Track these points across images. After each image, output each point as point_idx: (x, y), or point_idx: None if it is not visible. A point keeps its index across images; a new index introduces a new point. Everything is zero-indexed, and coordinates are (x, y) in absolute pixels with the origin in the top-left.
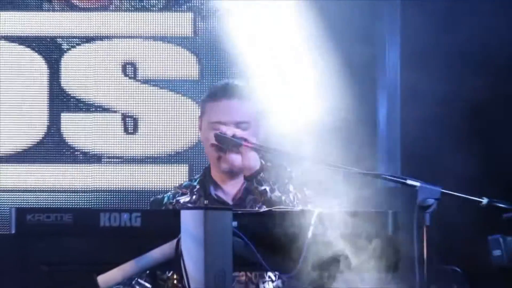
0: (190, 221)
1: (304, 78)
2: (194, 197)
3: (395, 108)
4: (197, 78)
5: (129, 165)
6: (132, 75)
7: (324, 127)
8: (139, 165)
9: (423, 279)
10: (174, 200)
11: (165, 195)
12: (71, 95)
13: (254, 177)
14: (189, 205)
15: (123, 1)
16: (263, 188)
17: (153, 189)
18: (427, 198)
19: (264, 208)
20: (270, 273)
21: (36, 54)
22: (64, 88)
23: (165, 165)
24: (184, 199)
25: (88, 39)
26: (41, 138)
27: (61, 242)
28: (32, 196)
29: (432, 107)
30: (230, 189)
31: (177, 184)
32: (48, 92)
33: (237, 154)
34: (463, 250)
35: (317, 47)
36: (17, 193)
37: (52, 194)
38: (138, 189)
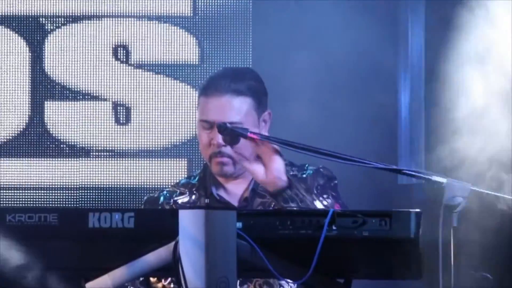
0: (189, 222)
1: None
2: (193, 197)
3: (419, 93)
4: (196, 62)
5: (120, 159)
6: (124, 59)
7: (339, 117)
8: (132, 159)
9: (448, 287)
10: (172, 201)
11: (160, 194)
12: (56, 81)
13: (279, 195)
14: (188, 206)
15: None
16: (288, 205)
17: (147, 186)
18: (455, 196)
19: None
20: (280, 282)
21: (16, 35)
22: (48, 73)
23: (161, 159)
24: (182, 199)
25: (75, 19)
26: (22, 130)
27: (45, 245)
28: (12, 194)
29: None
30: (234, 189)
31: (174, 182)
32: (30, 78)
33: (258, 164)
34: (494, 255)
35: (336, 27)
36: None
37: (35, 191)
38: (131, 186)
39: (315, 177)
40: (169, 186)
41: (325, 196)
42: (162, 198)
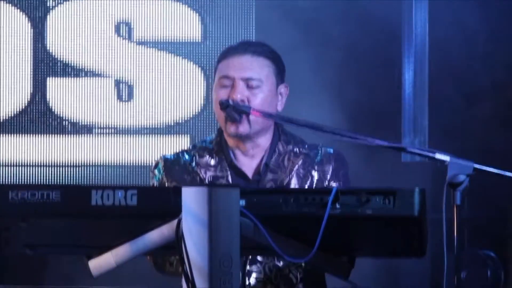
0: (192, 199)
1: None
2: (212, 161)
3: (423, 71)
4: (199, 40)
5: (123, 136)
6: (127, 36)
7: (342, 94)
8: (134, 136)
9: (452, 265)
10: (194, 163)
11: (180, 155)
12: (58, 58)
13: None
14: (212, 168)
15: None
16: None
17: (150, 163)
18: (458, 174)
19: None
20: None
21: (19, 11)
22: (50, 50)
23: (164, 136)
24: (205, 161)
25: None
26: (24, 107)
27: (47, 222)
28: (14, 171)
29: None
30: (248, 161)
31: (184, 148)
32: (32, 55)
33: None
34: (497, 233)
35: (340, 4)
36: None
37: (37, 168)
38: (134, 163)
39: (329, 161)
40: (185, 149)
41: (336, 181)
42: (183, 159)
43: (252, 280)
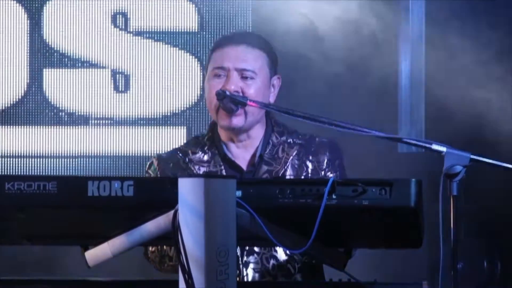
0: (189, 190)
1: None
2: (206, 156)
3: (419, 61)
4: (196, 30)
5: (119, 127)
6: (123, 26)
7: (340, 84)
8: (131, 127)
9: (449, 255)
10: (187, 159)
11: (173, 153)
12: (54, 48)
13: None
14: (205, 164)
15: None
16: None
17: (146, 154)
18: (455, 165)
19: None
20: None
21: (15, 2)
22: (47, 41)
23: (161, 127)
24: (197, 158)
25: None
26: (20, 97)
27: (44, 213)
28: (11, 162)
29: (461, 61)
30: (242, 153)
31: (178, 146)
32: (29, 46)
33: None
34: (494, 223)
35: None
36: None
37: (33, 159)
38: (130, 154)
39: (324, 151)
40: (178, 147)
41: (332, 171)
42: (176, 157)
43: (250, 271)
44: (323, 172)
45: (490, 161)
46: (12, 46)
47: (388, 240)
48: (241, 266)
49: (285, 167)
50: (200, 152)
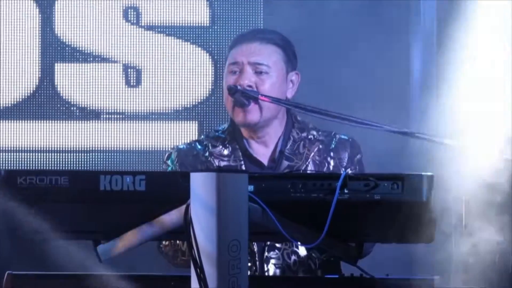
0: (201, 185)
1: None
2: (226, 151)
3: (431, 58)
4: (207, 24)
5: (131, 122)
6: (135, 21)
7: (352, 81)
8: (142, 122)
9: (461, 251)
10: (207, 153)
11: (192, 145)
12: (66, 43)
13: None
14: (225, 158)
15: None
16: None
17: (158, 148)
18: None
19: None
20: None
21: None
22: (58, 35)
23: (172, 122)
24: (218, 152)
25: None
26: (32, 92)
27: (56, 208)
28: (23, 157)
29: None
30: (262, 149)
31: (195, 138)
32: (40, 40)
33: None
34: (507, 218)
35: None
36: (6, 153)
37: (45, 154)
38: (142, 148)
39: (345, 148)
40: (197, 139)
41: (352, 168)
42: (196, 150)
43: (271, 266)
44: (344, 170)
45: (508, 157)
46: (24, 40)
47: (399, 235)
48: (262, 261)
49: (307, 163)
50: (221, 146)
